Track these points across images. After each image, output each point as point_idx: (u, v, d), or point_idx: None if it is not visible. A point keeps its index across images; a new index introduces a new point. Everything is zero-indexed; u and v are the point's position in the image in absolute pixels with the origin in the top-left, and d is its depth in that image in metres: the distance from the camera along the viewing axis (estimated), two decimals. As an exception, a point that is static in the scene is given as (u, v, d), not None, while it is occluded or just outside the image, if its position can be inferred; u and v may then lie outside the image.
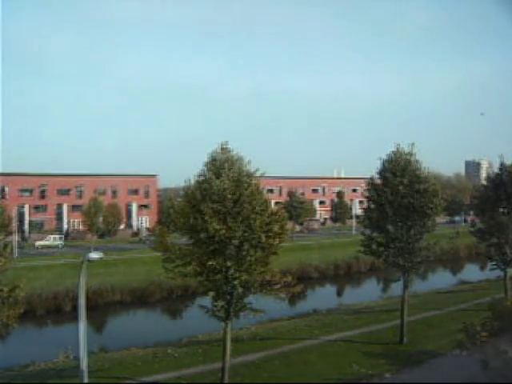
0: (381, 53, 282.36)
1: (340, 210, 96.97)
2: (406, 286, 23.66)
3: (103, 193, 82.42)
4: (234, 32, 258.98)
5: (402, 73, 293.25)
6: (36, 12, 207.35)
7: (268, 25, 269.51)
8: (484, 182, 32.89)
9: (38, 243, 62.68)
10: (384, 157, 23.23)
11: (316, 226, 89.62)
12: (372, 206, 23.39)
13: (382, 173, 23.02)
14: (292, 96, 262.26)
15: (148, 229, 79.28)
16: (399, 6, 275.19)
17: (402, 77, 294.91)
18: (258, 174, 17.47)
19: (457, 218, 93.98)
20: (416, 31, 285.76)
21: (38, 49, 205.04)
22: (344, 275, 50.07)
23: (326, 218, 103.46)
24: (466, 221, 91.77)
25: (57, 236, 65.41)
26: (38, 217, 78.78)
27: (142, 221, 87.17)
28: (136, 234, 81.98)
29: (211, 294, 17.31)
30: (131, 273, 43.41)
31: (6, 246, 17.55)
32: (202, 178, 17.31)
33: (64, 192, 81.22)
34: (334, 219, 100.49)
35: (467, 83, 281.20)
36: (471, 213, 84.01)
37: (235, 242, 16.15)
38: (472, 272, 51.87)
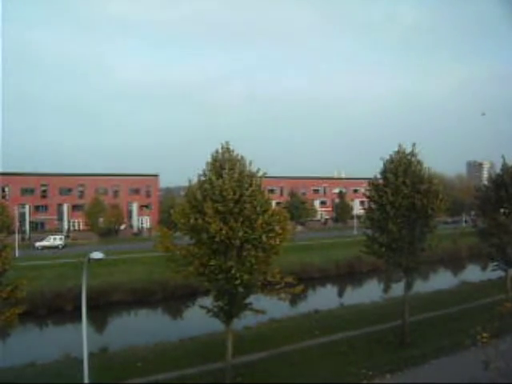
0: (382, 53, 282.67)
1: (341, 210, 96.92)
2: (407, 287, 23.63)
3: (104, 193, 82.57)
4: (234, 32, 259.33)
5: (402, 73, 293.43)
6: (36, 11, 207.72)
7: (268, 26, 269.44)
8: (486, 183, 32.80)
9: (37, 244, 62.67)
10: (386, 157, 23.25)
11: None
12: (373, 206, 23.36)
13: (384, 173, 23.00)
14: (293, 96, 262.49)
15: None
16: (400, 6, 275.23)
17: (402, 77, 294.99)
18: (259, 174, 17.47)
19: (456, 219, 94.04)
20: (417, 31, 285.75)
21: (38, 48, 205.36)
22: (345, 275, 49.98)
23: (327, 219, 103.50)
24: (466, 221, 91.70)
25: (57, 236, 65.33)
26: (39, 217, 78.80)
27: (143, 221, 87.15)
28: (137, 234, 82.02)
29: (212, 293, 17.35)
30: (132, 273, 43.44)
31: (5, 246, 17.56)
32: (203, 178, 17.34)
33: (65, 192, 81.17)
34: (335, 219, 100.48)
35: (468, 83, 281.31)
36: (472, 213, 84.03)
37: (236, 242, 16.14)
38: (473, 272, 51.79)
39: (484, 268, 49.40)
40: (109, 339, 27.20)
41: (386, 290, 42.20)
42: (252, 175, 17.22)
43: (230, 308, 17.34)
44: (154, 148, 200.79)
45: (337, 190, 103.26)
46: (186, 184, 18.24)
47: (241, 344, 20.79)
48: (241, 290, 16.60)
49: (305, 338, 24.05)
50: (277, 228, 16.69)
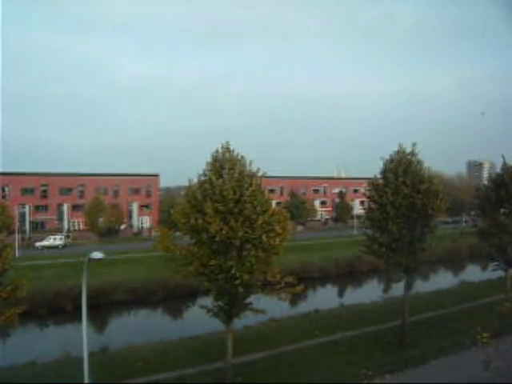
0: (381, 53, 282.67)
1: (341, 210, 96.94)
2: (407, 287, 23.62)
3: (104, 192, 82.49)
4: (234, 32, 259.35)
5: (402, 73, 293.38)
6: (36, 11, 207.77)
7: (268, 26, 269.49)
8: (486, 183, 32.77)
9: (38, 244, 62.67)
10: (386, 157, 23.24)
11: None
12: (373, 206, 23.35)
13: (384, 173, 22.99)
14: (293, 96, 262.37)
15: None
16: (400, 6, 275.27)
17: (402, 77, 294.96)
18: (259, 174, 17.47)
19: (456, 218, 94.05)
20: (417, 32, 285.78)
21: (38, 48, 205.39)
22: (345, 275, 49.99)
23: (327, 219, 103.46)
24: (466, 221, 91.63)
25: (57, 236, 65.28)
26: (39, 217, 78.73)
27: (143, 221, 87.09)
28: (137, 234, 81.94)
29: (212, 293, 17.36)
30: (132, 272, 43.44)
31: (5, 246, 17.56)
32: (203, 178, 17.35)
33: (65, 192, 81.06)
34: (335, 219, 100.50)
35: (468, 83, 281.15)
36: (472, 213, 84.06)
37: (236, 242, 16.14)
38: (473, 272, 51.78)
39: (484, 268, 49.38)
40: (109, 338, 27.20)
41: (386, 289, 42.21)
42: (252, 175, 17.23)
43: (230, 308, 17.35)
44: (154, 148, 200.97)
45: (337, 190, 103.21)
46: (186, 184, 18.24)
47: (241, 344, 20.79)
48: (241, 289, 16.59)
49: (305, 337, 24.06)
50: (277, 228, 16.70)
